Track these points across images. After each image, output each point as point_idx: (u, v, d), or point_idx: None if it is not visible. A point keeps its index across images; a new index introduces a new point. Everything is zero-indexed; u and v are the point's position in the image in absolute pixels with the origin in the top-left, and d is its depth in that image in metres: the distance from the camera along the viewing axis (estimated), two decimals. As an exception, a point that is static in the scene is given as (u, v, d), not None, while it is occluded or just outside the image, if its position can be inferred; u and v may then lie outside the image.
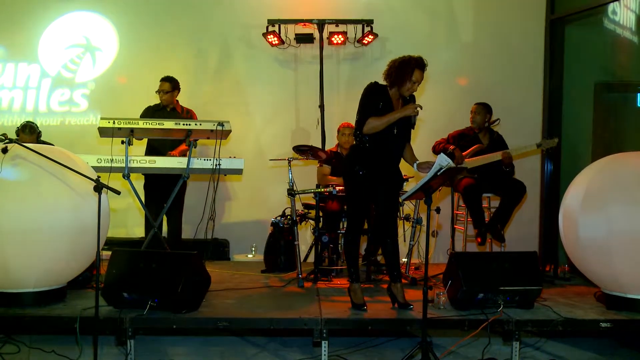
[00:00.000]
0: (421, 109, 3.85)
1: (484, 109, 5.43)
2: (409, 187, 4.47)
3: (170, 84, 5.56)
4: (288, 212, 5.37)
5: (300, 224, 5.37)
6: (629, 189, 3.85)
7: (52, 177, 3.84)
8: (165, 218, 5.43)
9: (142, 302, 3.71)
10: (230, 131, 4.88)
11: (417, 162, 4.06)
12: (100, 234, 3.47)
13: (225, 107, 6.74)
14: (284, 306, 4.09)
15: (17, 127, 5.49)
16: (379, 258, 5.30)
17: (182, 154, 5.25)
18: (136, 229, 6.59)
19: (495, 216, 5.26)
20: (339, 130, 5.64)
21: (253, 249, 6.33)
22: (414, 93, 4.02)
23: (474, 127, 5.45)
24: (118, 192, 3.52)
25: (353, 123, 4.15)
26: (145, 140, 5.58)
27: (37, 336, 3.99)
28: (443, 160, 3.40)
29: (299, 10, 6.65)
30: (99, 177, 3.56)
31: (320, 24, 6.41)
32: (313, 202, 5.05)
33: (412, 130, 4.06)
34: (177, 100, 5.67)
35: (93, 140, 6.14)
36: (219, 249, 6.46)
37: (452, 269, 4.02)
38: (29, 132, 5.55)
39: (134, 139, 4.81)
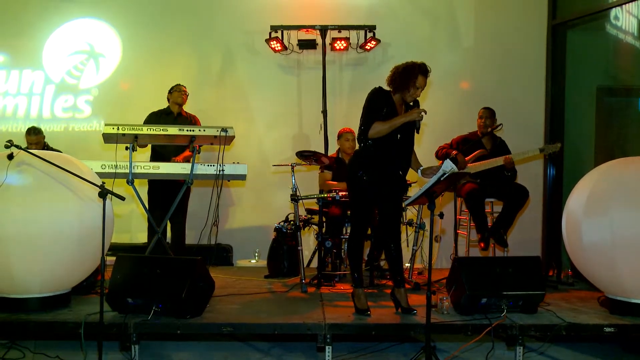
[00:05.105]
0: (425, 113, 3.87)
1: (492, 113, 5.45)
2: (413, 192, 4.48)
3: (186, 88, 5.62)
4: (291, 217, 5.38)
5: (304, 229, 5.38)
6: (632, 194, 3.86)
7: (56, 183, 3.87)
8: (169, 223, 5.45)
9: (147, 307, 3.73)
10: (233, 137, 4.89)
11: (422, 167, 4.09)
12: (104, 240, 3.48)
13: (228, 113, 6.77)
14: (288, 311, 4.10)
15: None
16: (382, 263, 5.30)
17: (186, 160, 5.27)
18: (140, 235, 6.61)
19: (498, 221, 5.26)
20: (340, 136, 5.65)
21: (256, 254, 6.34)
22: (417, 98, 4.04)
23: (483, 130, 5.45)
24: (122, 198, 3.54)
25: (355, 128, 4.16)
26: (149, 146, 5.60)
27: (41, 342, 3.98)
28: (447, 166, 3.41)
29: (302, 16, 6.67)
30: (103, 183, 3.58)
31: (323, 29, 6.44)
32: (316, 207, 5.06)
33: (415, 135, 4.06)
34: (182, 106, 5.74)
35: (97, 146, 6.17)
36: (222, 255, 6.47)
37: (455, 274, 4.02)
38: (34, 133, 5.64)
39: (137, 145, 4.83)
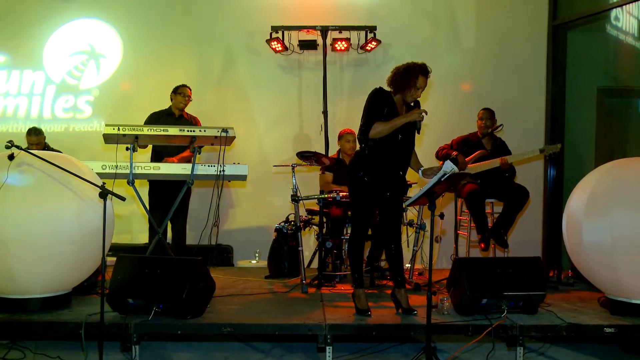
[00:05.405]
0: (426, 114, 3.88)
1: (492, 114, 5.46)
2: (413, 192, 4.48)
3: (191, 91, 5.65)
4: (292, 218, 5.38)
5: (304, 229, 5.39)
6: (633, 194, 3.86)
7: (57, 184, 3.87)
8: (169, 224, 5.45)
9: (147, 308, 3.73)
10: (234, 137, 4.89)
11: (422, 168, 4.10)
12: (105, 240, 3.48)
13: (228, 114, 6.76)
14: (288, 312, 4.10)
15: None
16: (383, 263, 5.30)
17: (182, 161, 5.27)
18: (140, 235, 6.62)
19: (499, 221, 5.26)
20: (341, 136, 5.65)
21: (257, 254, 6.34)
22: (418, 99, 4.04)
23: (484, 131, 5.45)
24: (123, 199, 3.54)
25: (356, 129, 4.16)
26: (150, 147, 5.60)
27: (42, 342, 3.99)
28: (448, 167, 3.42)
29: (302, 17, 6.67)
30: (104, 183, 3.58)
31: (324, 30, 6.43)
32: (317, 208, 5.07)
33: (416, 135, 4.06)
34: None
35: (97, 146, 6.17)
36: (222, 255, 6.47)
37: (455, 275, 4.02)
38: (34, 134, 5.65)
39: (138, 145, 4.83)
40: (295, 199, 4.89)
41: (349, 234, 4.80)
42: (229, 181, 5.13)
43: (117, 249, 5.57)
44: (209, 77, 6.95)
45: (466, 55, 6.90)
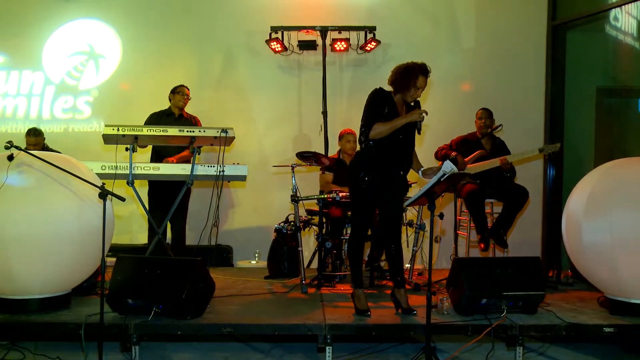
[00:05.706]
0: (427, 114, 3.88)
1: (490, 114, 5.46)
2: (413, 192, 4.48)
3: (189, 90, 5.65)
4: (291, 218, 5.38)
5: (304, 230, 5.38)
6: (632, 194, 3.86)
7: (57, 184, 3.87)
8: (169, 224, 5.45)
9: (147, 308, 3.73)
10: (234, 138, 4.90)
11: (422, 168, 4.10)
12: (105, 241, 3.48)
13: (228, 114, 6.77)
14: (288, 312, 4.10)
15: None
16: (382, 264, 5.30)
17: (180, 161, 5.27)
18: (140, 236, 6.61)
19: (498, 222, 5.26)
20: (341, 137, 5.65)
21: (256, 255, 6.34)
22: (418, 99, 4.05)
23: (483, 131, 5.45)
24: (123, 199, 3.54)
25: (355, 129, 4.16)
26: (150, 146, 5.60)
27: (42, 343, 3.99)
28: (447, 167, 3.42)
29: (302, 17, 6.68)
30: (103, 183, 3.58)
31: (323, 30, 6.44)
32: (316, 208, 5.07)
33: (416, 135, 4.06)
34: (182, 107, 5.75)
35: (97, 147, 6.17)
36: (222, 255, 6.47)
37: (455, 275, 4.02)
38: (33, 135, 5.65)
39: (138, 145, 4.83)
40: (295, 199, 4.89)
41: (348, 234, 4.80)
42: (229, 181, 5.14)
43: (116, 250, 5.56)
44: (209, 77, 6.95)
45: (466, 55, 6.91)
